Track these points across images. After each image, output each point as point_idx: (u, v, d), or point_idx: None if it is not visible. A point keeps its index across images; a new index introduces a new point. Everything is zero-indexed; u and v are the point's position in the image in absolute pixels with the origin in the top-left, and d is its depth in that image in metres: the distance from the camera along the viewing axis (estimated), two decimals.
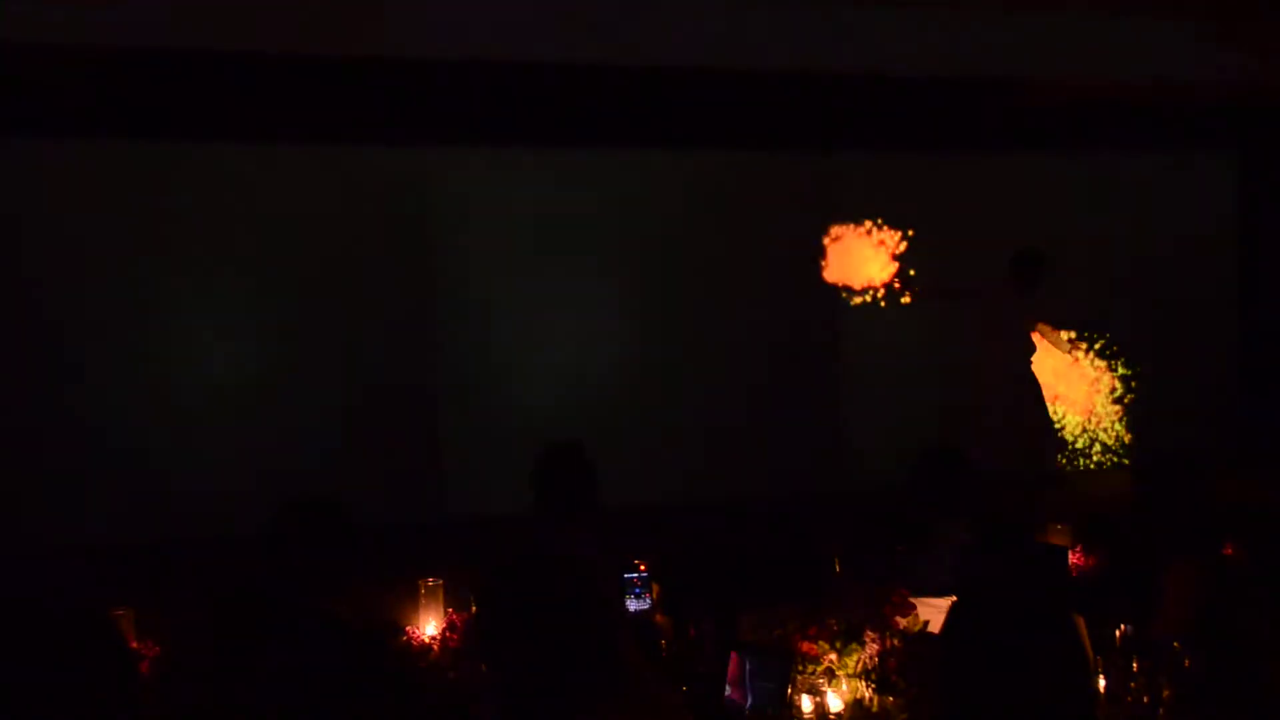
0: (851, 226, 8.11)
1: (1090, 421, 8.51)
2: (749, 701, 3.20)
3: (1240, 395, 9.39)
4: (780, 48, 6.87)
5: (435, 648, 3.85)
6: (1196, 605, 3.36)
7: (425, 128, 7.89)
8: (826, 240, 8.10)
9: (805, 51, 6.91)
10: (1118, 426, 8.48)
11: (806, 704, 3.17)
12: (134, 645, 4.02)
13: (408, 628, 3.94)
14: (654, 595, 4.11)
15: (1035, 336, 8.01)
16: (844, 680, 3.20)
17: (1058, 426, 8.41)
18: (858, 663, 3.22)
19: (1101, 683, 3.00)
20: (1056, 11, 7.13)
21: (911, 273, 8.11)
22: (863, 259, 8.20)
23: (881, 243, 8.07)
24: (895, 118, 8.33)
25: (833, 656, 3.24)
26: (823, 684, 3.19)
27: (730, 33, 6.73)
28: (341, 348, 7.80)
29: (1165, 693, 2.93)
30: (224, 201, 7.61)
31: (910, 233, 8.06)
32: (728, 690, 3.29)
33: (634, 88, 7.45)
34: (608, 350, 8.32)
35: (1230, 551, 4.40)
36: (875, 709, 3.14)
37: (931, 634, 3.34)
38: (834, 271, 8.15)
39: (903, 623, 3.41)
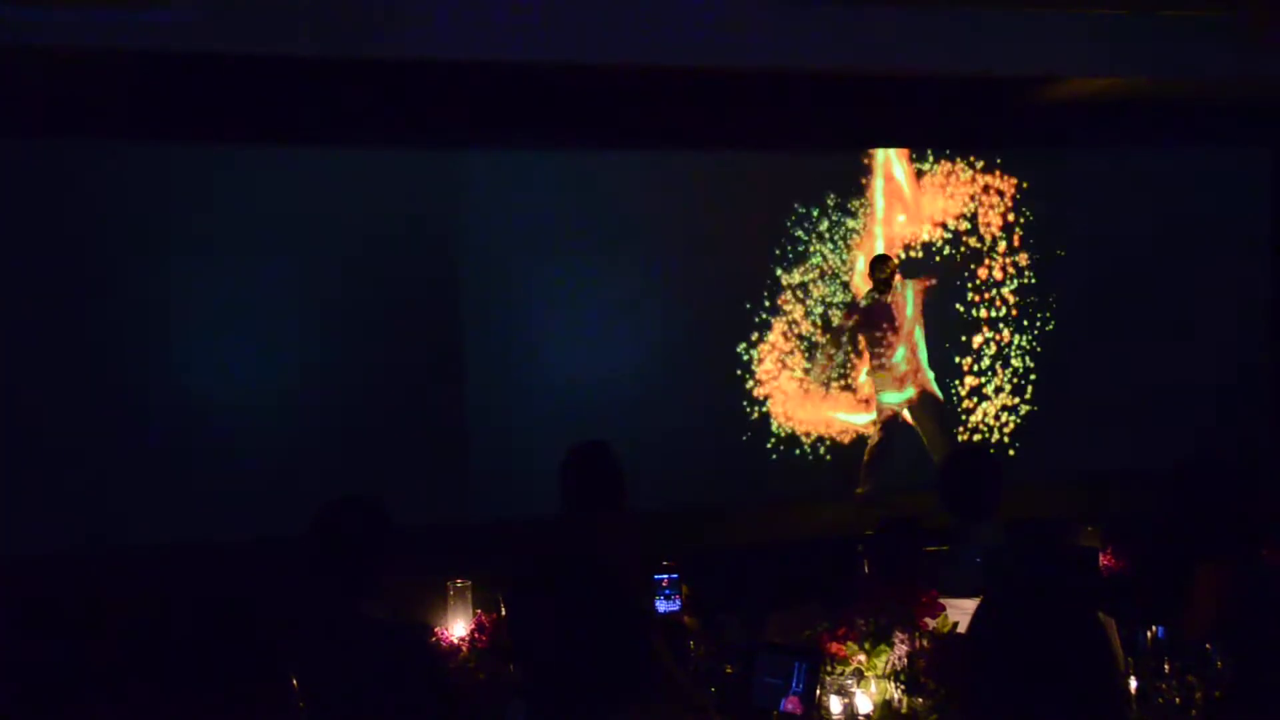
0: None
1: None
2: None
3: (1276, 394, 9.28)
4: (806, 49, 6.86)
5: (464, 649, 3.85)
6: (1229, 606, 3.33)
7: (450, 130, 7.93)
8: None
9: (833, 52, 6.91)
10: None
11: (835, 705, 3.15)
12: None
13: (436, 629, 3.95)
14: (683, 596, 4.10)
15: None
16: (873, 681, 3.18)
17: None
18: (887, 664, 3.20)
19: (1133, 684, 2.97)
20: (1088, 8, 7.09)
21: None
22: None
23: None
24: (923, 118, 8.31)
25: (861, 658, 3.22)
26: (851, 685, 3.18)
27: (755, 34, 6.74)
28: (368, 349, 7.84)
29: (1198, 694, 2.91)
30: (250, 204, 7.67)
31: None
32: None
33: (661, 88, 7.45)
34: (635, 350, 8.33)
35: (1268, 554, 4.35)
36: (904, 710, 3.13)
37: (961, 635, 3.32)
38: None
39: (932, 624, 3.39)
